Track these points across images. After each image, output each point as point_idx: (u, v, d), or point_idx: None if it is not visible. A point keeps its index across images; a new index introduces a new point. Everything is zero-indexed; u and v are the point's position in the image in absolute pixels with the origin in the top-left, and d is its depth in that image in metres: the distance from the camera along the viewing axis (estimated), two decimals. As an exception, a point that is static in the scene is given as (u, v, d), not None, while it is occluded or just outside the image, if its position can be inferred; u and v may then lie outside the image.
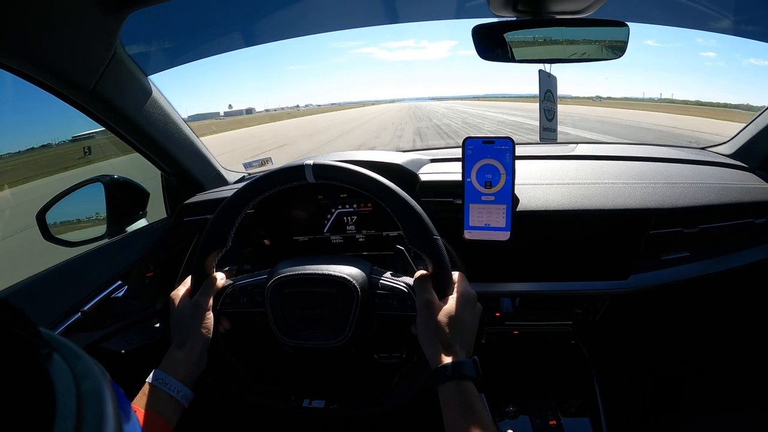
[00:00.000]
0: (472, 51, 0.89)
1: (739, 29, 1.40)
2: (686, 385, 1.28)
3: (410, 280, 0.80)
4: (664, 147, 1.41)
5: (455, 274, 0.78)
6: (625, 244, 1.02)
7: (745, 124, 1.31)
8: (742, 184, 1.11)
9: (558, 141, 1.31)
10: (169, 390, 0.72)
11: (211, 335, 0.79)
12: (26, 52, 0.77)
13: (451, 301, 0.73)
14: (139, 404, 0.70)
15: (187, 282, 0.85)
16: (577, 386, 1.13)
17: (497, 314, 1.10)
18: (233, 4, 1.13)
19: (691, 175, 1.13)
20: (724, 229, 1.05)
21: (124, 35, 0.92)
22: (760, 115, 1.23)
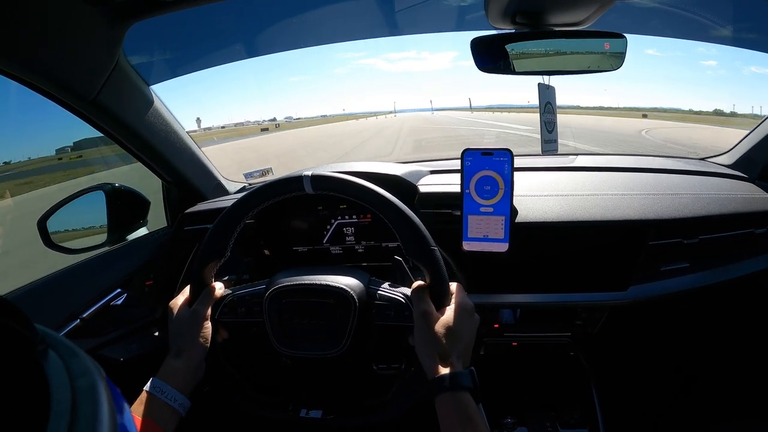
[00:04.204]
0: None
1: (738, 39, 1.41)
2: (686, 396, 1.27)
3: (408, 291, 0.80)
4: (663, 158, 1.41)
5: (453, 285, 0.78)
6: (624, 256, 1.02)
7: (745, 134, 1.31)
8: (741, 195, 1.11)
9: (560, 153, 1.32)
10: (166, 398, 0.72)
11: (209, 345, 0.79)
12: (30, 62, 0.79)
13: (449, 311, 0.74)
14: (136, 412, 0.70)
15: (186, 291, 0.86)
16: (576, 397, 1.12)
17: (496, 325, 1.10)
18: (236, 15, 1.14)
19: (690, 185, 1.13)
20: (724, 239, 1.05)
21: (126, 45, 0.93)
22: (759, 125, 1.24)
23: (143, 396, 0.72)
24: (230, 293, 0.86)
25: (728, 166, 1.31)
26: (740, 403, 1.25)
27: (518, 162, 0.86)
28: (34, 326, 0.25)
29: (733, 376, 1.27)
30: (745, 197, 1.09)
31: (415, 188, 1.07)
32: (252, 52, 1.30)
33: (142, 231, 1.21)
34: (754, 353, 1.24)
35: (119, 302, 1.03)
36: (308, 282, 0.81)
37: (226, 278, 0.99)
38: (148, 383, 0.73)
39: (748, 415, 1.23)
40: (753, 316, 1.20)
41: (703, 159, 1.44)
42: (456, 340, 0.71)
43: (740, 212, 1.05)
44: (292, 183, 0.81)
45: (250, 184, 1.44)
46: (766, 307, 1.15)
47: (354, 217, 1.12)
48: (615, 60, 0.90)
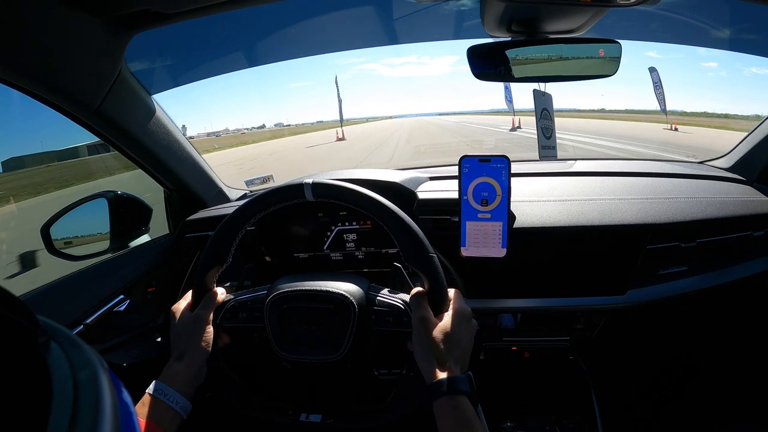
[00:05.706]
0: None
1: (736, 44, 1.42)
2: (685, 399, 1.27)
3: (407, 297, 0.81)
4: (661, 162, 1.42)
5: (451, 291, 0.79)
6: (622, 260, 1.03)
7: (743, 136, 1.32)
8: (739, 198, 1.11)
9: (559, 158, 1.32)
10: (168, 401, 0.73)
11: (210, 349, 0.80)
12: (34, 72, 0.80)
13: (447, 317, 0.74)
14: (138, 414, 0.71)
15: (188, 296, 0.87)
16: (575, 401, 1.13)
17: (495, 330, 1.10)
18: (237, 25, 1.15)
19: (688, 189, 1.14)
20: (722, 242, 1.05)
21: (128, 55, 0.94)
22: (757, 127, 1.24)
23: (146, 398, 0.73)
24: (232, 298, 0.87)
25: (726, 169, 1.31)
26: (740, 408, 1.25)
27: (517, 168, 0.87)
28: (36, 318, 0.25)
29: (733, 380, 1.26)
30: (743, 200, 1.10)
31: (413, 195, 1.07)
32: (252, 61, 1.32)
33: (145, 238, 1.22)
34: (753, 356, 1.24)
35: (122, 308, 1.04)
36: (308, 288, 0.82)
37: (227, 284, 1.00)
38: (151, 385, 0.74)
39: (747, 420, 1.23)
40: (752, 319, 1.20)
41: (701, 162, 1.44)
42: (453, 345, 0.72)
43: (738, 215, 1.05)
44: (293, 190, 0.82)
45: (251, 191, 1.46)
46: (764, 309, 1.15)
47: (354, 223, 1.13)
48: (611, 65, 0.91)
